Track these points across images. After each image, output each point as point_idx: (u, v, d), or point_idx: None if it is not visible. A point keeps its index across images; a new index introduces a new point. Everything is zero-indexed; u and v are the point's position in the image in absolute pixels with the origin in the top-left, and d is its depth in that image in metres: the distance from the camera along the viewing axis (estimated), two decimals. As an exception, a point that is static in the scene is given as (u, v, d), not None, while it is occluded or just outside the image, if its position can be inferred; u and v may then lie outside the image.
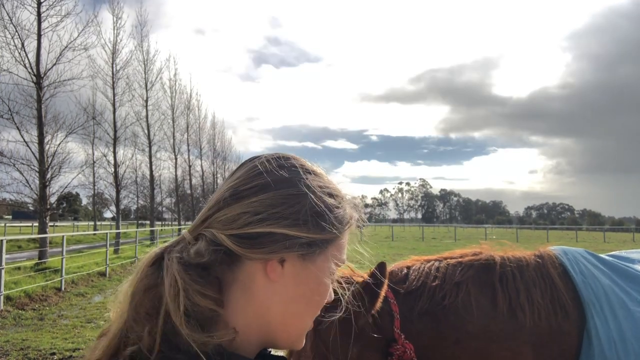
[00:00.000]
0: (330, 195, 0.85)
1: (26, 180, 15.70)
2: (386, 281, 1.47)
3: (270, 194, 0.79)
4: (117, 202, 24.13)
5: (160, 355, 0.69)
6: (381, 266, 1.47)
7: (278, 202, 0.78)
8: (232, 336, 0.74)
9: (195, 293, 0.72)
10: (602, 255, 1.92)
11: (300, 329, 0.84)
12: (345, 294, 1.07)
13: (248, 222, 0.76)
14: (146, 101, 28.41)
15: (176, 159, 36.71)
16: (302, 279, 0.80)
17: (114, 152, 23.47)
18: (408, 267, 1.74)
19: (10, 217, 76.62)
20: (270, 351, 0.89)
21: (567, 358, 1.61)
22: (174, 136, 36.01)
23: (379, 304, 1.49)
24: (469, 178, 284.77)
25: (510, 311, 1.61)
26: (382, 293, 1.48)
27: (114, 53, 23.39)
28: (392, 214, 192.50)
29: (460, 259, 1.74)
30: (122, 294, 0.79)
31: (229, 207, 0.79)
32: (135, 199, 34.59)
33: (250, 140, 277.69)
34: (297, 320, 0.83)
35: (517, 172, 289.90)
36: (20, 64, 15.39)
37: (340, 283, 1.01)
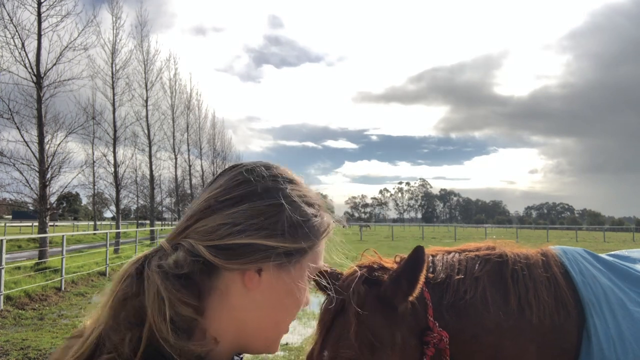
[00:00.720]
0: (309, 204, 0.86)
1: (26, 180, 15.70)
2: (425, 267, 1.44)
3: (250, 204, 0.80)
4: (117, 202, 24.14)
5: None
6: (419, 250, 1.43)
7: (257, 213, 0.79)
8: (213, 346, 0.76)
9: (178, 302, 0.73)
10: (602, 255, 1.92)
11: (276, 334, 0.86)
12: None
13: (227, 234, 0.77)
14: (146, 101, 28.43)
15: (176, 158, 36.78)
16: (278, 287, 0.81)
17: (114, 152, 23.48)
18: (433, 256, 1.74)
19: (10, 216, 76.62)
20: (242, 357, 0.90)
21: (567, 357, 1.62)
22: (174, 136, 36.06)
23: (418, 290, 1.46)
24: (470, 178, 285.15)
25: (519, 308, 1.62)
26: (422, 278, 1.45)
27: (114, 53, 23.42)
28: (392, 214, 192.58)
29: (477, 253, 1.74)
30: (101, 303, 0.78)
31: (208, 218, 0.79)
32: (135, 198, 34.58)
33: (250, 140, 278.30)
34: (273, 326, 0.85)
35: (518, 172, 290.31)
36: (21, 63, 15.42)
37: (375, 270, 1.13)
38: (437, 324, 1.53)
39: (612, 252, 2.13)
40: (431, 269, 1.67)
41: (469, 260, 1.70)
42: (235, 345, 0.83)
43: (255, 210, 0.80)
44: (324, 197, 0.97)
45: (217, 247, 0.77)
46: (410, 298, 1.47)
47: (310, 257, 0.86)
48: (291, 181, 0.88)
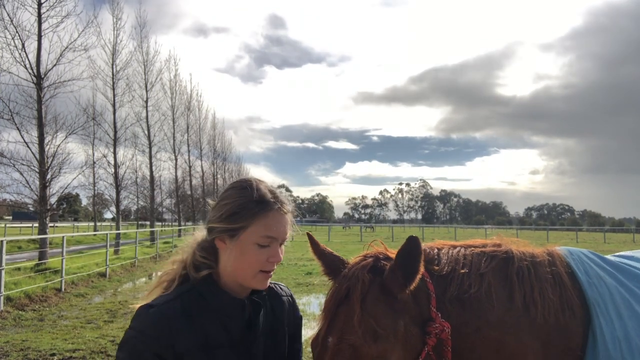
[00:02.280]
0: (247, 200, 1.46)
1: (26, 181, 15.69)
2: (422, 257, 1.46)
3: (217, 203, 1.51)
4: (117, 203, 24.12)
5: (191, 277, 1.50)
6: (412, 240, 1.45)
7: (217, 208, 1.50)
8: (219, 277, 1.50)
9: (198, 258, 1.51)
10: (607, 256, 1.93)
11: (248, 275, 1.45)
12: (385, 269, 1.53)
13: (208, 220, 1.52)
14: (146, 102, 28.43)
15: (176, 159, 36.78)
16: (235, 248, 1.44)
17: (114, 153, 23.47)
18: (438, 249, 1.75)
19: (10, 217, 76.59)
20: (264, 292, 1.56)
21: (572, 356, 1.62)
22: (174, 137, 36.06)
23: (416, 280, 1.48)
24: (471, 179, 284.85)
25: (524, 306, 1.62)
26: (421, 268, 1.47)
27: (114, 54, 23.41)
28: (392, 215, 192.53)
29: (483, 249, 1.75)
30: (179, 253, 1.58)
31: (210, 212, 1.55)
32: (136, 199, 34.53)
33: (251, 141, 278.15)
34: (242, 270, 1.45)
35: (519, 173, 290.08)
36: (21, 64, 15.42)
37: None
38: (439, 315, 1.54)
39: (617, 253, 2.14)
40: (436, 262, 1.68)
41: (474, 256, 1.70)
42: (232, 279, 1.48)
43: (216, 206, 1.50)
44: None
45: (207, 228, 1.52)
46: (410, 288, 1.49)
47: (253, 229, 1.43)
48: (242, 187, 1.49)
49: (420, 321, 1.54)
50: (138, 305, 1.42)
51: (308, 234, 1.73)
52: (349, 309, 1.47)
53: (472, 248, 1.76)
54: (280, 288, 1.71)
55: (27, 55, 15.45)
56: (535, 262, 1.72)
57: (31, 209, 17.15)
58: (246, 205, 1.44)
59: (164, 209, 40.53)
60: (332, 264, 1.67)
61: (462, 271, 1.65)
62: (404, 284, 1.48)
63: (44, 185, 15.52)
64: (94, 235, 32.33)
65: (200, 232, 1.58)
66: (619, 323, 1.60)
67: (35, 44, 15.79)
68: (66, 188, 18.27)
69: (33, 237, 20.69)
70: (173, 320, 1.36)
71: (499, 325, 1.60)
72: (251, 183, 1.48)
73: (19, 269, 13.73)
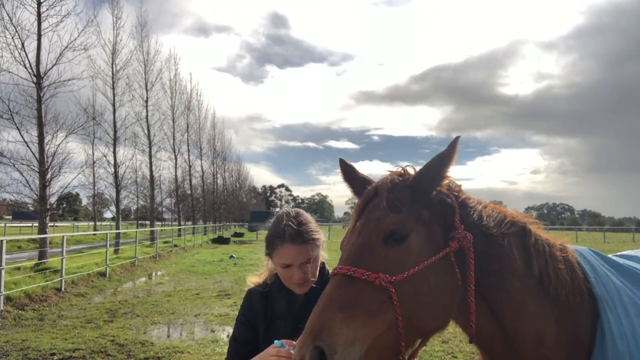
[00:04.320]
0: (273, 232, 1.97)
1: (26, 180, 15.70)
2: (451, 163, 1.55)
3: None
4: (117, 203, 24.10)
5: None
6: (450, 146, 1.54)
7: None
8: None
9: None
10: (609, 256, 1.95)
11: (286, 284, 1.99)
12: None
13: None
14: (146, 101, 28.41)
15: (176, 159, 36.76)
16: (272, 265, 2.05)
17: (114, 153, 23.45)
18: (467, 198, 1.77)
19: (10, 217, 76.56)
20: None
21: (582, 348, 1.63)
22: (174, 136, 36.06)
23: (443, 181, 1.57)
24: (472, 178, 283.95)
25: (539, 276, 1.65)
26: (448, 173, 1.56)
27: (114, 53, 23.39)
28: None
29: (505, 212, 1.76)
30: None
31: None
32: (135, 199, 34.50)
33: (252, 140, 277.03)
34: (282, 280, 2.00)
35: (520, 172, 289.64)
36: (21, 64, 15.42)
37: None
38: (462, 226, 1.58)
39: (619, 253, 2.16)
40: (458, 191, 1.72)
41: (498, 213, 1.72)
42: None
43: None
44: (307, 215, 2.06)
45: None
46: (436, 188, 1.58)
47: (274, 257, 1.95)
48: (276, 221, 1.99)
49: (444, 226, 1.58)
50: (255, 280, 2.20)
51: (340, 159, 1.84)
52: (377, 199, 1.57)
53: (496, 208, 1.77)
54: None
55: (26, 55, 15.46)
56: (550, 243, 1.75)
57: (31, 208, 17.12)
58: (271, 237, 1.95)
59: (164, 209, 40.48)
60: (362, 187, 1.72)
61: (488, 215, 1.68)
62: (431, 184, 1.57)
63: (44, 185, 15.51)
64: (94, 234, 32.35)
65: None
66: (627, 320, 1.61)
67: (35, 43, 15.79)
68: (66, 187, 18.30)
69: (33, 236, 20.69)
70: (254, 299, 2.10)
71: (521, 281, 1.62)
72: (281, 217, 1.97)
73: (18, 268, 13.73)
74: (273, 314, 2.03)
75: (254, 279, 2.18)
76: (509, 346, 1.62)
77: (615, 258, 1.94)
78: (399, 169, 1.68)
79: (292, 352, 1.48)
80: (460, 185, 1.74)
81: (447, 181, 1.63)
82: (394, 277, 1.40)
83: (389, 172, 1.69)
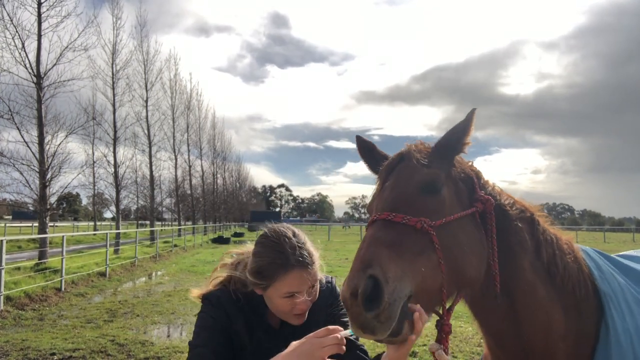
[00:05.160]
0: (270, 260, 1.71)
1: (26, 180, 15.70)
2: (473, 124, 1.60)
3: (252, 255, 1.80)
4: (117, 203, 24.10)
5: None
6: (469, 115, 1.60)
7: (251, 260, 1.79)
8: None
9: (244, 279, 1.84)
10: (612, 256, 1.97)
11: (283, 316, 1.75)
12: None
13: (247, 270, 1.78)
14: (146, 101, 28.40)
15: (176, 159, 36.74)
16: (266, 297, 1.74)
17: (114, 153, 23.44)
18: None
19: (10, 217, 76.59)
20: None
21: (586, 342, 1.65)
22: (174, 136, 36.04)
23: (469, 138, 1.61)
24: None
25: (547, 264, 1.68)
26: (471, 132, 1.60)
27: (114, 53, 23.38)
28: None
29: (513, 198, 1.79)
30: (227, 260, 1.97)
31: None
32: (135, 199, 34.48)
33: (252, 140, 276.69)
34: (277, 313, 1.74)
35: (520, 172, 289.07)
36: (21, 64, 15.41)
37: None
38: (484, 192, 1.64)
39: (619, 254, 2.18)
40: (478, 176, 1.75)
41: (509, 197, 1.76)
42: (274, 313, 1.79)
43: (251, 258, 1.79)
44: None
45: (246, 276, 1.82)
46: (460, 150, 1.63)
47: (274, 287, 1.68)
48: (270, 245, 1.74)
49: (467, 187, 1.64)
50: (198, 293, 1.90)
51: (357, 136, 1.85)
52: (405, 161, 1.61)
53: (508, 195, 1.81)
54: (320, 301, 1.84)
55: (27, 55, 15.45)
56: (557, 236, 1.78)
57: (31, 208, 17.12)
58: (271, 265, 1.67)
59: (164, 209, 40.50)
60: (381, 162, 1.74)
61: (500, 191, 1.75)
62: (457, 145, 1.61)
63: (44, 185, 15.51)
64: (94, 234, 32.34)
65: (247, 250, 1.90)
66: (630, 317, 1.63)
67: (35, 43, 15.79)
68: (66, 187, 18.29)
69: (33, 236, 20.69)
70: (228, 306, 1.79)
71: (531, 263, 1.65)
72: (277, 241, 1.71)
73: (18, 268, 13.72)
74: (252, 325, 1.78)
75: (197, 292, 1.91)
76: (519, 329, 1.63)
77: (618, 258, 1.96)
78: (417, 142, 1.71)
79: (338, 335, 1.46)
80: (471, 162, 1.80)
81: (468, 146, 1.67)
82: (433, 222, 1.44)
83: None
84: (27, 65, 15.47)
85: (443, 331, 1.49)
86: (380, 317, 1.24)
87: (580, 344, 1.64)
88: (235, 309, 1.76)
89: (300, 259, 1.67)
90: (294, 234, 1.77)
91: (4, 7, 15.05)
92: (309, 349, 1.41)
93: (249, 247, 1.88)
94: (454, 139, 1.61)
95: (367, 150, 1.83)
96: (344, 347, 1.46)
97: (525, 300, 1.62)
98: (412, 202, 1.49)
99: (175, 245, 27.38)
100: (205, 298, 1.83)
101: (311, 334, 1.48)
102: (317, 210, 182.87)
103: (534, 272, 1.64)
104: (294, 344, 1.47)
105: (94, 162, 26.48)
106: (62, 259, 12.86)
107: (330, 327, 1.50)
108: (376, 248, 1.33)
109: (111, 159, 23.56)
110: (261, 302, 1.77)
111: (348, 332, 1.46)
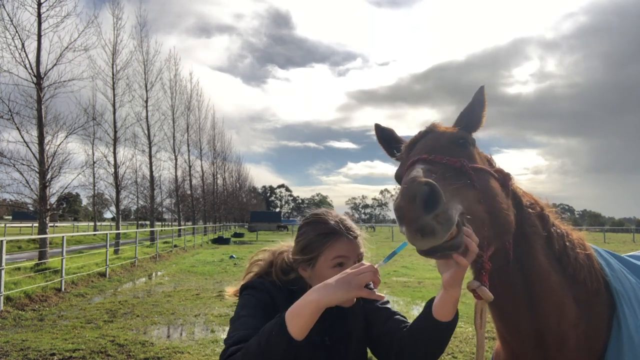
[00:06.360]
0: (317, 233, 1.72)
1: (26, 180, 15.69)
2: (485, 105, 1.65)
3: (295, 240, 1.81)
4: (117, 203, 24.10)
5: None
6: (480, 91, 1.65)
7: (296, 243, 1.79)
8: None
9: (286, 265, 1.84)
10: (622, 255, 1.98)
11: (332, 299, 1.40)
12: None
13: (292, 253, 1.81)
14: (146, 102, 28.43)
15: (176, 159, 36.76)
16: (314, 274, 1.70)
17: (114, 153, 23.46)
18: None
19: (10, 217, 76.61)
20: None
21: (598, 338, 1.65)
22: (174, 137, 36.06)
23: (485, 114, 1.65)
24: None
25: (559, 254, 1.69)
26: (486, 108, 1.65)
27: (114, 54, 23.42)
28: (393, 215, 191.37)
29: (526, 195, 1.80)
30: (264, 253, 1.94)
31: None
32: (136, 199, 34.46)
33: (253, 141, 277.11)
34: (326, 294, 1.40)
35: (521, 173, 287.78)
36: (21, 64, 15.41)
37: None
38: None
39: (630, 254, 2.19)
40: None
41: (518, 189, 1.77)
42: None
43: (295, 242, 1.79)
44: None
45: (292, 260, 1.79)
46: (478, 126, 1.66)
47: (323, 259, 1.67)
48: (314, 222, 1.77)
49: (487, 163, 1.68)
50: (234, 289, 1.87)
51: (376, 124, 1.88)
52: (430, 134, 1.63)
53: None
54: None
55: (27, 55, 15.46)
56: (568, 231, 1.78)
57: (31, 208, 17.13)
58: (317, 237, 1.71)
59: (164, 209, 40.46)
60: (398, 147, 1.76)
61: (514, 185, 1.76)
62: (477, 119, 1.65)
63: (44, 185, 15.51)
64: (94, 235, 32.34)
65: (286, 244, 1.93)
66: None
67: (35, 43, 15.80)
68: (66, 188, 18.26)
69: (33, 237, 20.69)
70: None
71: (545, 253, 1.66)
72: (320, 217, 1.77)
73: (19, 268, 13.73)
74: None
75: (233, 289, 1.89)
76: (534, 313, 1.64)
77: (628, 258, 1.97)
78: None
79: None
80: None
81: (485, 120, 1.70)
82: (471, 164, 1.49)
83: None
84: (27, 66, 15.49)
85: (483, 268, 1.48)
86: (439, 218, 1.21)
87: (591, 337, 1.64)
88: (278, 291, 1.73)
89: (345, 229, 1.71)
90: (333, 212, 1.83)
91: (4, 7, 15.09)
92: (346, 277, 1.43)
93: (282, 243, 1.94)
94: (474, 112, 1.65)
95: (387, 135, 1.85)
96: (379, 278, 1.47)
97: (541, 284, 1.62)
98: (447, 148, 1.53)
99: (175, 246, 27.38)
100: (246, 287, 1.77)
101: (350, 268, 1.48)
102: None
103: (547, 260, 1.65)
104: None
105: (94, 162, 26.55)
106: (62, 259, 12.86)
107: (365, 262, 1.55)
108: (425, 173, 1.32)
109: (111, 159, 23.61)
110: (303, 288, 1.72)
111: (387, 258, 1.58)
